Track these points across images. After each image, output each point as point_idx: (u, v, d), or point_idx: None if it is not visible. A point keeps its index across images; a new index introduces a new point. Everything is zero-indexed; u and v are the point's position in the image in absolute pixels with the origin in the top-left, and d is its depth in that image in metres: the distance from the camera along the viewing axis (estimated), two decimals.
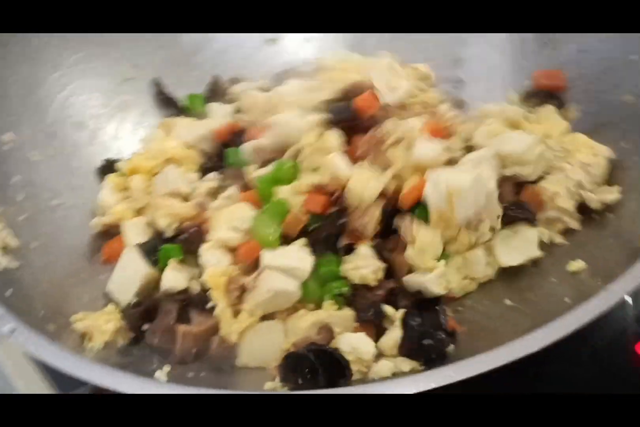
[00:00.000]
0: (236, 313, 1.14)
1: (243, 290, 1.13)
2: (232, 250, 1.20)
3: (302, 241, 1.16)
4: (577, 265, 1.07)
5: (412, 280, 1.15)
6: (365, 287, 1.15)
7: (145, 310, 1.17)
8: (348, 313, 1.14)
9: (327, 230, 1.17)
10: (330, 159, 1.19)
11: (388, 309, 1.14)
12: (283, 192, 1.20)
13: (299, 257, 1.13)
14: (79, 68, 1.51)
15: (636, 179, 1.13)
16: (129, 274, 1.21)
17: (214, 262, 1.16)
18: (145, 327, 1.16)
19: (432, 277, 1.13)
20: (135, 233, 1.30)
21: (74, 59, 1.50)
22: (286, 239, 1.16)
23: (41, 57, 1.44)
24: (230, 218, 1.19)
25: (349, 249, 1.17)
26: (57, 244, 1.29)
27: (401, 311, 1.12)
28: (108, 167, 1.47)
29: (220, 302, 1.12)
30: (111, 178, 1.42)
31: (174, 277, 1.20)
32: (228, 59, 1.72)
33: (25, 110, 1.39)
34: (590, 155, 1.17)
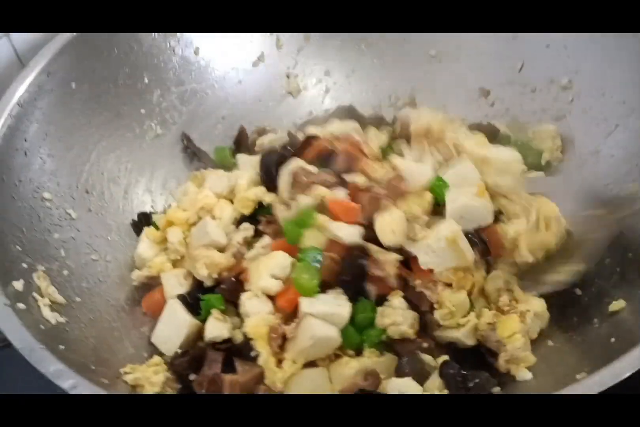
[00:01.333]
0: (279, 361, 1.15)
1: (284, 338, 1.16)
2: (272, 298, 1.22)
3: (338, 289, 1.19)
4: (618, 305, 1.09)
5: (445, 335, 1.19)
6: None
7: (191, 359, 1.18)
8: (391, 358, 1.16)
9: (350, 272, 1.19)
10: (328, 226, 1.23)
11: (426, 357, 1.16)
12: (310, 237, 1.23)
13: (336, 303, 1.15)
14: (109, 126, 1.55)
15: None
16: (173, 326, 1.24)
17: (256, 310, 1.18)
18: (192, 377, 1.18)
19: (464, 332, 1.17)
20: (174, 284, 1.33)
21: (104, 117, 1.54)
22: (323, 287, 1.19)
23: (74, 118, 1.48)
24: (269, 266, 1.22)
25: (381, 299, 1.20)
26: (99, 299, 1.32)
27: (440, 360, 1.15)
28: (142, 221, 1.51)
29: (263, 351, 1.14)
30: (148, 231, 1.45)
31: (217, 327, 1.22)
32: (250, 112, 1.77)
33: (62, 168, 1.43)
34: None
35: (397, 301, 1.18)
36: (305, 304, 1.15)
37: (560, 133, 1.46)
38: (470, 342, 1.18)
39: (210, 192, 1.45)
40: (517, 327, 1.16)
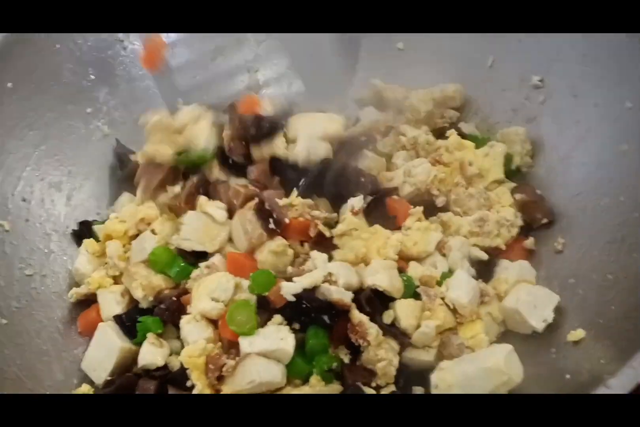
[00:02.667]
0: (216, 393, 1.07)
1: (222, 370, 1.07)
2: (214, 322, 1.13)
3: (278, 318, 1.09)
4: (576, 335, 1.00)
5: (413, 357, 1.12)
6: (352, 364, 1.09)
7: (119, 389, 1.10)
8: (336, 388, 1.08)
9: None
10: None
11: (368, 390, 1.08)
12: None
13: (279, 337, 1.06)
14: (52, 127, 1.45)
15: None
16: (103, 351, 1.16)
17: (194, 337, 1.10)
18: None
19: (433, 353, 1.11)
20: (111, 302, 1.24)
21: (46, 118, 1.44)
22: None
23: (10, 120, 1.38)
24: (210, 288, 1.13)
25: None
26: (29, 319, 1.23)
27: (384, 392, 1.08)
28: (83, 231, 1.41)
29: (198, 383, 1.06)
30: (87, 244, 1.35)
31: (151, 353, 1.13)
32: None
33: None
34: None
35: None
36: (245, 344, 1.06)
37: (530, 137, 1.35)
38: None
39: (151, 203, 1.35)
40: (479, 328, 1.11)
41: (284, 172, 1.32)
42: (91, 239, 1.37)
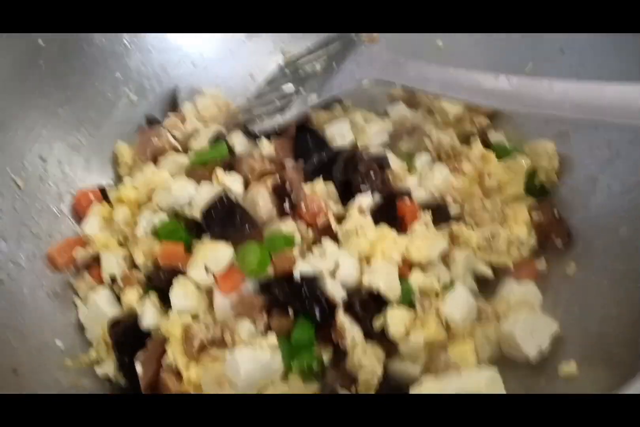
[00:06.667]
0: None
1: (203, 345, 1.07)
2: (206, 289, 1.15)
3: (273, 338, 1.08)
4: (568, 368, 0.97)
5: (401, 369, 1.10)
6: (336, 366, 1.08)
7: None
8: (313, 388, 1.06)
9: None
10: None
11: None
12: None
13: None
14: (78, 88, 1.44)
15: None
16: (96, 322, 1.19)
17: (180, 303, 1.13)
18: None
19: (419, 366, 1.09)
20: (112, 264, 1.25)
21: (74, 78, 1.43)
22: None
23: (37, 76, 1.37)
24: (206, 257, 1.14)
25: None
26: (30, 277, 1.23)
27: None
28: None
29: (170, 351, 1.07)
30: (98, 208, 1.35)
31: (153, 316, 1.15)
32: (237, 87, 1.64)
33: (15, 131, 1.32)
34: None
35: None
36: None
37: (558, 152, 1.30)
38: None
39: (167, 174, 1.34)
40: (469, 347, 1.08)
41: (305, 143, 1.32)
42: (101, 203, 1.36)
